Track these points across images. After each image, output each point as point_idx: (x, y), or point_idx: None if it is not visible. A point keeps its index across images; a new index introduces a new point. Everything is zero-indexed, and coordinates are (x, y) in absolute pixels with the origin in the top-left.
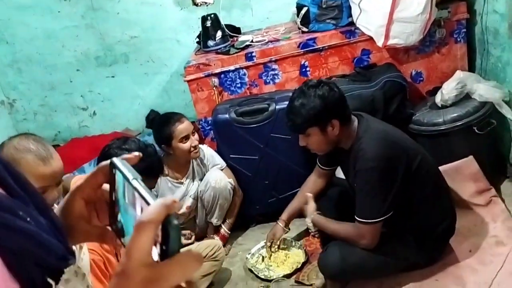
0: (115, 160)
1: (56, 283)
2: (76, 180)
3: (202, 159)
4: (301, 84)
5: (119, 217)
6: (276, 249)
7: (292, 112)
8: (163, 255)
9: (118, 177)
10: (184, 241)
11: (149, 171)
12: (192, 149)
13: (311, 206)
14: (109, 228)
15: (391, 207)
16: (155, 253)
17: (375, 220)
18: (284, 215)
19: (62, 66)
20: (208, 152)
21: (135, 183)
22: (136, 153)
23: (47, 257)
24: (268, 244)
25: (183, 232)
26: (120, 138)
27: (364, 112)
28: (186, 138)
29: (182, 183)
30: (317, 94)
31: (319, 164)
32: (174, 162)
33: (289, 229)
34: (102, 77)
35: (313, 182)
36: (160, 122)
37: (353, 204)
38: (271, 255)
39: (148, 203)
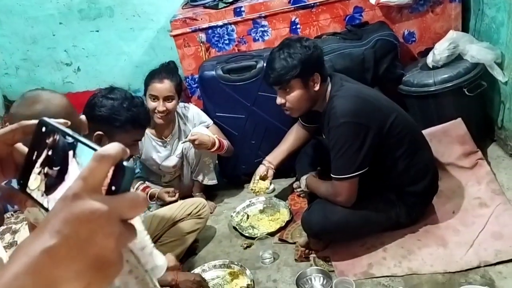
0: (48, 119)
1: None
2: None
3: (188, 117)
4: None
5: (35, 178)
6: (256, 182)
7: (277, 62)
8: (110, 194)
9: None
10: (168, 198)
11: (134, 121)
12: (156, 111)
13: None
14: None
15: (365, 163)
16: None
17: (348, 176)
18: (269, 156)
19: (44, 19)
20: (194, 110)
21: (76, 135)
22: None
23: None
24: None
25: (167, 189)
26: (107, 88)
27: (354, 71)
28: (155, 97)
29: (166, 142)
30: (304, 45)
31: (300, 121)
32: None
33: (274, 171)
34: (86, 31)
35: (297, 130)
36: (150, 72)
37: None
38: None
39: (95, 149)
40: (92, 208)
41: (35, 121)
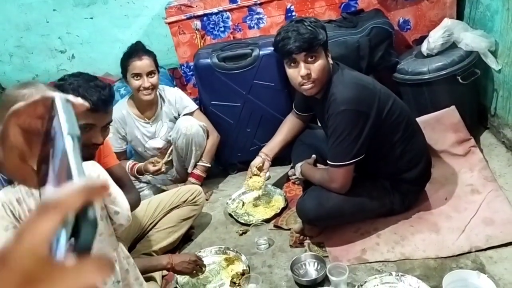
0: (58, 99)
1: None
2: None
3: (170, 100)
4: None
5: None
6: (252, 176)
7: (303, 29)
8: (75, 249)
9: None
10: (152, 168)
11: (96, 105)
12: (141, 88)
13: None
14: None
15: (362, 150)
16: (62, 243)
17: (345, 163)
18: (265, 148)
19: (38, 5)
20: (177, 93)
21: (68, 141)
22: (83, 102)
23: None
24: (249, 172)
25: (151, 159)
26: (73, 73)
27: (349, 59)
28: (138, 75)
29: (149, 123)
30: (316, 19)
31: (295, 110)
32: (138, 99)
33: (270, 163)
34: (80, 18)
35: (291, 121)
36: (125, 52)
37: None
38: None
39: (70, 177)
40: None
41: (55, 94)
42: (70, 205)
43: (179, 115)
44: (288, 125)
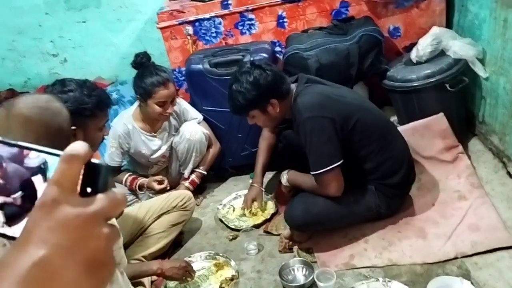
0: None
1: None
2: None
3: (177, 112)
4: (236, 68)
5: None
6: (256, 210)
7: (231, 98)
8: (85, 196)
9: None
10: (157, 186)
11: (100, 104)
12: (165, 114)
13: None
14: None
15: (339, 154)
16: None
17: (326, 169)
18: (258, 178)
19: (30, 9)
20: (183, 105)
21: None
22: None
23: None
24: (248, 205)
25: (156, 177)
26: (55, 82)
27: (339, 66)
28: (163, 103)
29: (155, 136)
30: (249, 81)
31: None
32: (147, 114)
33: (263, 188)
34: (73, 22)
35: (268, 138)
36: (147, 74)
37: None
38: (250, 211)
39: (57, 155)
40: (76, 213)
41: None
42: (86, 154)
43: None
44: (266, 145)
